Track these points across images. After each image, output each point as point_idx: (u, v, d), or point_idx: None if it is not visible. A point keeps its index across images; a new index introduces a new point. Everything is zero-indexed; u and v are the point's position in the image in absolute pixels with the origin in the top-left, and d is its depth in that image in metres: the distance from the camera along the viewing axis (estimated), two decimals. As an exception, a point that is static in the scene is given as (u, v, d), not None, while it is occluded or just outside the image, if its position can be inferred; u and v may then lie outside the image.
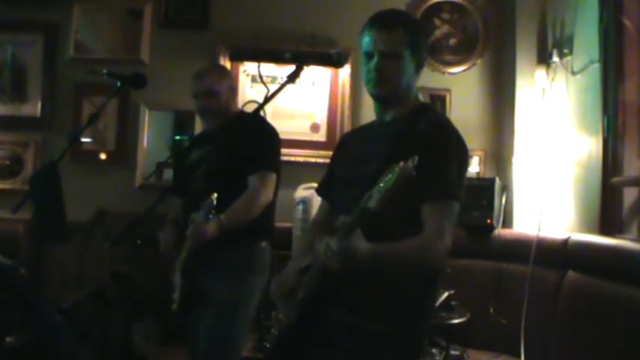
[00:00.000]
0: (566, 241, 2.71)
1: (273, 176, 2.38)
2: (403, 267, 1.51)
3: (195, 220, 2.16)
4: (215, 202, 2.12)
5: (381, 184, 1.29)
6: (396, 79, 1.62)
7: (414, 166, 1.28)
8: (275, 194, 2.42)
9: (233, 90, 2.55)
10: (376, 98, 1.69)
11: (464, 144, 1.61)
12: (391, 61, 1.60)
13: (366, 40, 1.63)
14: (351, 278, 1.48)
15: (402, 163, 1.28)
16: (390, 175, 1.28)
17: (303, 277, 1.57)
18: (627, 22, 2.79)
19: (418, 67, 1.66)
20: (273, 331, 1.62)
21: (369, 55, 1.63)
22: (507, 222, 3.37)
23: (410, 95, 1.68)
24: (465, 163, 1.63)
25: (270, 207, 2.40)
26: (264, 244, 2.42)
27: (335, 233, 1.37)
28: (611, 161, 2.79)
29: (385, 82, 1.61)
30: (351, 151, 1.77)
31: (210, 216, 2.14)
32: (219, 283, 2.30)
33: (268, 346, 1.63)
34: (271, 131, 2.46)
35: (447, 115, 3.65)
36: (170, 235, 2.41)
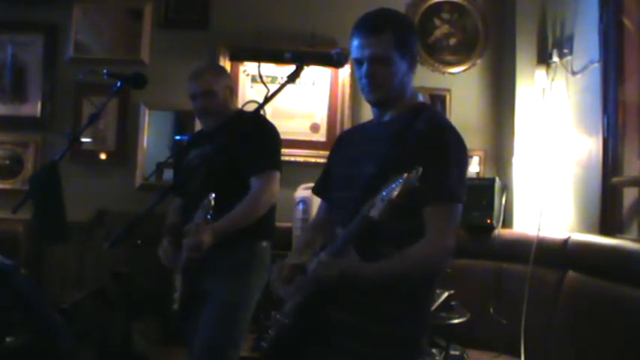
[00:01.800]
0: (566, 241, 2.71)
1: (277, 175, 2.38)
2: (405, 280, 1.52)
3: (191, 231, 2.16)
4: (213, 202, 2.12)
5: (384, 194, 1.29)
6: (388, 83, 1.61)
7: (417, 178, 1.28)
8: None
9: (231, 89, 2.54)
10: (372, 103, 1.69)
11: (463, 143, 1.60)
12: (381, 65, 1.58)
13: (355, 45, 1.62)
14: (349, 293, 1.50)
15: (405, 175, 1.28)
16: (393, 186, 1.28)
17: (301, 276, 1.57)
18: (627, 22, 2.79)
19: (411, 65, 1.65)
20: (270, 331, 1.62)
21: (358, 62, 1.62)
22: (507, 222, 3.37)
23: (405, 94, 1.67)
24: (464, 162, 1.62)
25: (271, 206, 2.40)
26: (264, 243, 2.42)
27: (329, 250, 1.39)
28: (611, 161, 2.79)
29: (378, 87, 1.61)
30: (348, 151, 1.76)
31: (209, 216, 2.14)
32: (219, 282, 2.29)
33: (265, 345, 1.63)
34: (271, 130, 2.46)
35: (447, 115, 3.66)
36: (168, 250, 2.40)
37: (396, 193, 1.27)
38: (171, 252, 2.34)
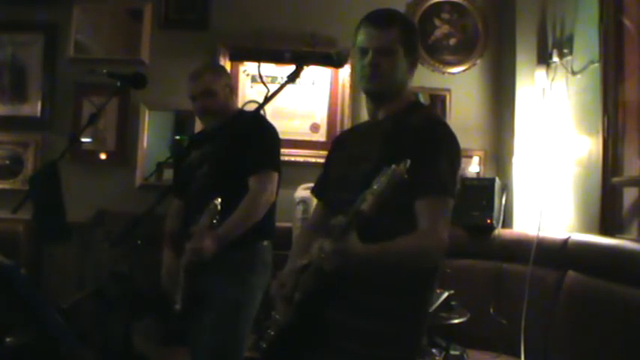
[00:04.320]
0: (566, 241, 2.71)
1: (274, 175, 2.38)
2: (399, 266, 1.51)
3: (195, 235, 2.15)
4: (219, 207, 2.11)
5: (374, 187, 1.30)
6: (389, 75, 1.63)
7: (406, 169, 1.29)
8: (276, 193, 2.42)
9: (231, 88, 2.54)
10: (370, 93, 1.70)
11: (456, 140, 1.61)
12: (385, 57, 1.61)
13: (361, 36, 1.65)
14: (347, 279, 1.48)
15: (393, 166, 1.29)
16: (382, 178, 1.29)
17: (300, 277, 1.57)
18: (627, 22, 2.79)
19: (411, 66, 1.68)
20: (269, 331, 1.62)
21: (363, 51, 1.64)
22: (507, 222, 3.37)
23: (402, 93, 1.69)
24: (457, 158, 1.63)
25: (272, 206, 2.40)
26: (265, 243, 2.42)
27: (329, 235, 1.38)
28: (611, 161, 2.79)
29: (379, 77, 1.63)
30: (345, 152, 1.77)
31: (215, 221, 2.13)
32: (221, 282, 2.29)
33: (264, 346, 1.63)
34: (270, 130, 2.46)
35: (447, 115, 3.67)
36: (172, 270, 2.41)
37: (384, 185, 1.28)
38: (174, 274, 2.34)
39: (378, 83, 1.64)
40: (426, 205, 1.51)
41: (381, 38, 1.61)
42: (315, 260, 1.42)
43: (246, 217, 2.28)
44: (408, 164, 1.29)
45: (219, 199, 2.12)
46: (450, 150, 1.59)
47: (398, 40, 1.62)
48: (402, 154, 1.33)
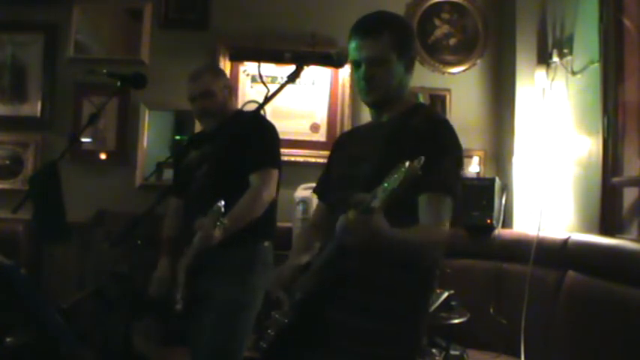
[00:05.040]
0: (566, 241, 2.71)
1: (275, 172, 2.38)
2: (410, 253, 1.49)
3: (203, 225, 2.16)
4: (223, 210, 2.11)
5: (386, 184, 1.28)
6: (385, 84, 1.62)
7: (420, 166, 1.27)
8: (276, 192, 2.43)
9: (230, 89, 2.55)
10: (369, 105, 1.70)
11: (458, 140, 1.62)
12: (379, 67, 1.60)
13: (352, 47, 1.63)
14: (363, 258, 1.46)
15: (408, 163, 1.27)
16: (395, 176, 1.27)
17: (301, 276, 1.56)
18: (627, 22, 2.79)
19: (409, 67, 1.66)
20: (269, 331, 1.62)
21: (356, 64, 1.63)
22: (507, 222, 3.36)
23: (403, 95, 1.68)
24: (460, 159, 1.63)
25: (272, 206, 2.40)
26: (266, 243, 2.43)
27: (357, 208, 1.31)
28: (611, 161, 2.79)
29: (375, 88, 1.62)
30: (347, 152, 1.77)
31: (218, 223, 2.13)
32: (222, 283, 2.30)
33: (264, 345, 1.63)
34: (270, 128, 2.46)
35: (447, 115, 3.66)
36: (164, 278, 2.42)
37: (398, 182, 1.26)
38: (168, 282, 2.35)
39: (376, 94, 1.63)
40: (429, 201, 1.51)
41: (372, 48, 1.59)
42: (339, 230, 1.35)
43: (249, 211, 2.28)
44: (422, 161, 1.27)
45: (223, 202, 2.12)
46: (453, 150, 1.59)
47: (389, 46, 1.59)
48: (405, 155, 1.32)
